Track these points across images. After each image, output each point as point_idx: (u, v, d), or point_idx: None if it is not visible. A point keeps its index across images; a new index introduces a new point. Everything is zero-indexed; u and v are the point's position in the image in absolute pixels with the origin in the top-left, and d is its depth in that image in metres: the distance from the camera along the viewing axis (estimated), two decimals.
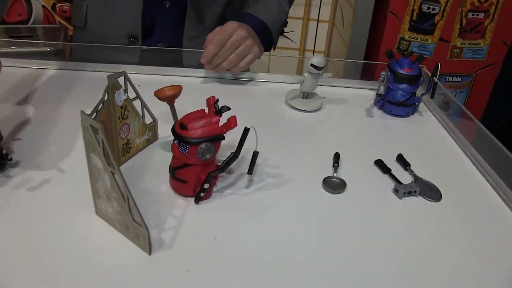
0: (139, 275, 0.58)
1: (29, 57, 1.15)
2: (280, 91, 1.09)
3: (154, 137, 0.85)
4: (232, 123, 0.66)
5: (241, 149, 0.67)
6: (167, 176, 0.74)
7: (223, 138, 0.67)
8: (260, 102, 1.05)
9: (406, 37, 2.03)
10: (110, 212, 0.63)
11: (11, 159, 0.75)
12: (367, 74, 1.40)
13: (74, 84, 1.07)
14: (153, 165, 0.79)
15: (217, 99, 0.69)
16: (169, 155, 0.80)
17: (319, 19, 2.77)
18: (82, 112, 0.57)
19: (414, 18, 1.99)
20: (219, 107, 0.68)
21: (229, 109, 0.67)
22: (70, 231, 0.64)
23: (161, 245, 0.62)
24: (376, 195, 0.76)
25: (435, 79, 1.00)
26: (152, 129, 0.83)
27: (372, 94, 1.13)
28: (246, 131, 0.66)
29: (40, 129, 0.87)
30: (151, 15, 1.21)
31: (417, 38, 2.03)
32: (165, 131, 0.87)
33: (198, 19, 1.24)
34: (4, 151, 0.74)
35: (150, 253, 0.61)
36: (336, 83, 1.16)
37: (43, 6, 2.08)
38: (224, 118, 0.68)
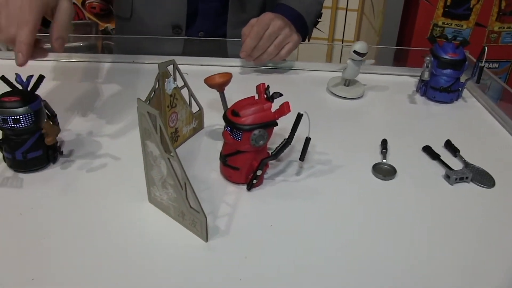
0: (197, 262, 0.58)
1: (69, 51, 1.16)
2: (321, 78, 1.08)
3: (200, 125, 0.85)
4: (285, 109, 0.65)
5: (294, 135, 0.66)
6: (216, 163, 0.74)
7: (276, 124, 0.67)
8: (302, 90, 1.04)
9: (440, 23, 2.00)
10: (165, 199, 0.64)
11: (62, 152, 0.76)
12: (405, 60, 1.38)
13: (118, 76, 1.08)
14: (202, 153, 0.79)
15: (268, 86, 0.68)
16: (217, 143, 0.80)
17: (348, 8, 2.74)
18: (139, 99, 0.57)
19: (448, 3, 1.95)
20: (271, 93, 0.67)
21: (281, 95, 0.67)
22: (123, 219, 0.64)
23: (217, 232, 0.62)
24: (427, 182, 0.75)
25: (481, 64, 0.98)
26: (199, 117, 0.83)
27: (413, 80, 1.12)
28: (299, 116, 0.65)
29: (90, 119, 0.89)
30: (195, 3, 1.21)
31: (451, 24, 1.99)
32: (210, 120, 0.87)
33: (241, 7, 1.24)
34: (58, 144, 0.75)
35: (206, 240, 0.61)
36: (376, 70, 1.14)
37: (73, 3, 2.09)
38: (275, 105, 0.67)
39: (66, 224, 0.63)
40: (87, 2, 2.46)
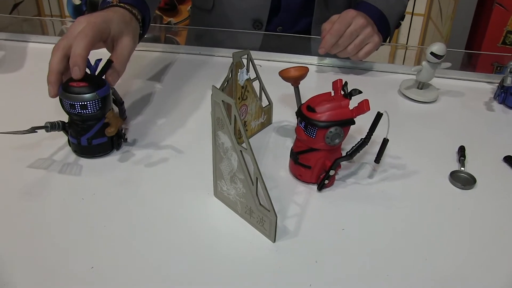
0: (264, 263, 0.55)
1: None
2: (393, 80, 1.03)
3: (268, 121, 0.82)
4: (365, 106, 0.61)
5: (371, 135, 0.63)
6: (285, 161, 0.71)
7: (354, 122, 0.63)
8: (373, 91, 1.00)
9: None
10: (232, 194, 0.61)
11: (126, 139, 0.75)
12: (474, 66, 1.31)
13: (191, 68, 1.07)
14: (270, 149, 0.76)
15: (346, 82, 0.64)
16: (286, 140, 0.77)
17: (414, 12, 2.66)
18: (214, 87, 0.54)
19: None
20: (349, 90, 0.63)
21: (360, 92, 0.63)
22: (188, 212, 0.62)
23: (286, 232, 0.59)
24: (510, 194, 0.69)
25: None
26: (268, 112, 0.80)
27: (489, 87, 1.05)
28: (379, 116, 0.61)
29: (157, 110, 0.87)
30: None
31: None
32: (278, 116, 0.84)
33: (326, 4, 1.20)
34: (123, 131, 0.74)
35: (274, 241, 0.57)
36: (450, 75, 1.09)
37: None
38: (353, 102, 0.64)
39: (127, 214, 0.62)
40: None
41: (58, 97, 0.68)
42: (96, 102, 0.67)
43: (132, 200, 0.64)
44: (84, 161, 0.71)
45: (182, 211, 0.62)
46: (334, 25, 0.97)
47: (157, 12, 2.47)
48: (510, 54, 1.00)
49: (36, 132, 0.68)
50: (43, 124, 0.68)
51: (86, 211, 0.62)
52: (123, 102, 0.75)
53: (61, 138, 0.74)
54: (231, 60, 0.69)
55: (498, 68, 1.24)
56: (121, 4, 0.78)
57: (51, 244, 0.56)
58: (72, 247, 0.56)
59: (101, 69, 0.70)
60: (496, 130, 0.88)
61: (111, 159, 0.72)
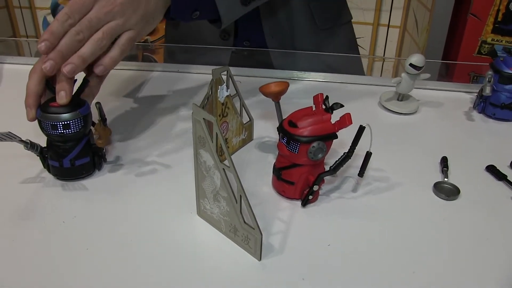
0: (251, 281, 0.54)
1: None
2: (373, 93, 1.04)
3: (249, 137, 0.81)
4: (347, 120, 0.61)
5: (354, 148, 0.62)
6: (268, 177, 0.70)
7: (336, 137, 0.62)
8: (354, 104, 1.00)
9: (489, 40, 1.93)
10: (216, 213, 0.60)
11: (106, 160, 0.73)
12: (451, 76, 1.33)
13: (170, 85, 1.06)
14: (252, 165, 0.75)
15: (327, 96, 0.64)
16: (267, 156, 0.77)
17: (390, 24, 2.69)
18: (195, 105, 0.54)
19: (499, 19, 1.88)
20: (330, 104, 0.63)
21: (342, 106, 0.62)
22: (172, 233, 0.61)
23: (271, 250, 0.58)
24: (494, 204, 0.69)
25: None
26: (248, 128, 0.80)
27: (468, 96, 1.06)
28: (361, 129, 0.61)
29: (138, 128, 0.86)
30: None
31: (501, 41, 1.92)
32: (258, 131, 0.83)
33: (273, 14, 1.14)
34: (104, 150, 0.72)
35: (260, 259, 0.56)
36: (430, 86, 1.09)
37: None
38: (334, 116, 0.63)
39: (109, 236, 0.60)
40: None
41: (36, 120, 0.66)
42: (79, 121, 0.66)
43: (114, 222, 0.63)
44: (63, 183, 0.70)
45: (166, 232, 0.61)
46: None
47: None
48: (486, 64, 1.01)
49: (11, 139, 0.65)
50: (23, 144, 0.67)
51: (67, 235, 0.60)
52: (106, 118, 0.74)
53: (37, 161, 0.72)
54: (210, 76, 0.68)
55: (475, 77, 1.25)
56: None
57: (30, 271, 0.54)
58: (54, 272, 0.54)
59: (78, 88, 0.69)
60: (477, 139, 0.88)
61: (92, 180, 0.71)
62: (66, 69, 0.65)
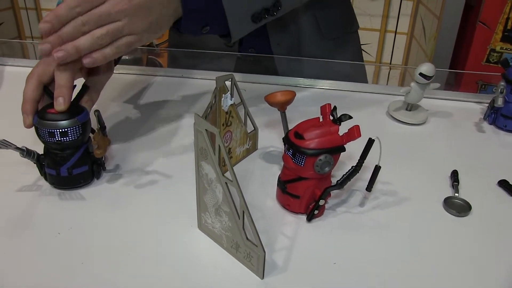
0: None
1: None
2: (381, 102, 1.01)
3: (254, 147, 0.78)
4: (355, 133, 0.58)
5: (363, 162, 0.60)
6: (272, 189, 0.67)
7: (344, 149, 0.60)
8: (362, 114, 0.97)
9: (498, 48, 1.90)
10: (217, 228, 0.57)
11: (105, 168, 0.71)
12: (462, 85, 1.30)
13: (173, 91, 1.04)
14: (256, 177, 0.73)
15: (335, 107, 0.62)
16: (272, 167, 0.74)
17: (397, 31, 2.67)
18: (197, 115, 0.51)
19: (508, 27, 1.86)
20: (338, 115, 0.61)
21: (350, 117, 0.60)
22: (171, 247, 0.58)
23: (274, 267, 0.56)
24: (507, 222, 0.66)
25: None
26: (253, 138, 0.77)
27: (478, 107, 1.04)
28: (370, 142, 0.58)
29: (139, 135, 0.84)
30: None
31: (510, 49, 1.89)
32: (263, 141, 0.81)
33: (278, 23, 1.12)
34: (103, 158, 0.70)
35: (263, 277, 0.54)
36: (439, 95, 1.07)
37: None
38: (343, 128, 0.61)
39: (106, 249, 0.58)
40: None
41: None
42: (77, 129, 0.63)
43: (111, 234, 0.60)
44: (60, 192, 0.67)
45: (165, 246, 0.58)
46: None
47: None
48: (495, 73, 0.98)
49: (6, 147, 0.62)
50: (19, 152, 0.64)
51: (62, 247, 0.58)
52: (105, 126, 0.72)
53: (34, 168, 0.70)
54: (214, 82, 0.66)
55: (483, 86, 1.23)
56: None
57: (22, 285, 0.52)
58: (47, 286, 0.52)
59: (77, 95, 0.67)
60: (489, 152, 0.86)
61: (90, 190, 0.68)
62: (57, 54, 0.61)
